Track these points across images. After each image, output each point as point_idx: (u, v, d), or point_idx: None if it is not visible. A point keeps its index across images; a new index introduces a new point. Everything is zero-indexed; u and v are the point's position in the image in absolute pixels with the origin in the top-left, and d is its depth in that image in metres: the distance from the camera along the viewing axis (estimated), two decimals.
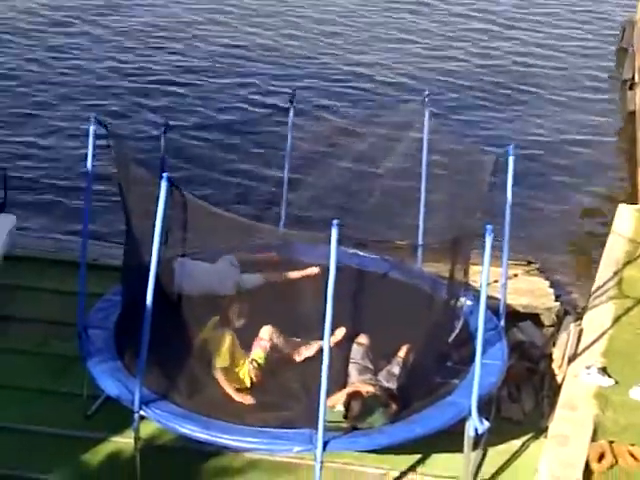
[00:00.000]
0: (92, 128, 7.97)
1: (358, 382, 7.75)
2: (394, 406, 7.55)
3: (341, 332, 8.04)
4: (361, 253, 8.96)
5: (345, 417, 7.42)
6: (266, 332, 8.07)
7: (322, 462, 7.10)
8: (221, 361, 7.86)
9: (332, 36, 17.95)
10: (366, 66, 16.68)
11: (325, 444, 7.09)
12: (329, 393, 7.16)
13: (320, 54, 17.19)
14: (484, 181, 8.32)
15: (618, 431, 7.88)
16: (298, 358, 8.11)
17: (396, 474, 7.87)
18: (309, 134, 9.90)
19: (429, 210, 9.46)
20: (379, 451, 7.66)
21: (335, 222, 6.89)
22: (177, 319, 8.10)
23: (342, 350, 7.92)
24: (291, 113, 9.57)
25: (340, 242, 6.93)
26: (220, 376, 7.85)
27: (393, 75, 16.34)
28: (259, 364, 7.97)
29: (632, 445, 7.68)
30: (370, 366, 7.93)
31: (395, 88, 15.74)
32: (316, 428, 7.04)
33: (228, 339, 7.95)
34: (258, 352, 8.03)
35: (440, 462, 7.93)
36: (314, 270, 8.67)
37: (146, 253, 7.64)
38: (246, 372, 7.95)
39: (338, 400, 7.50)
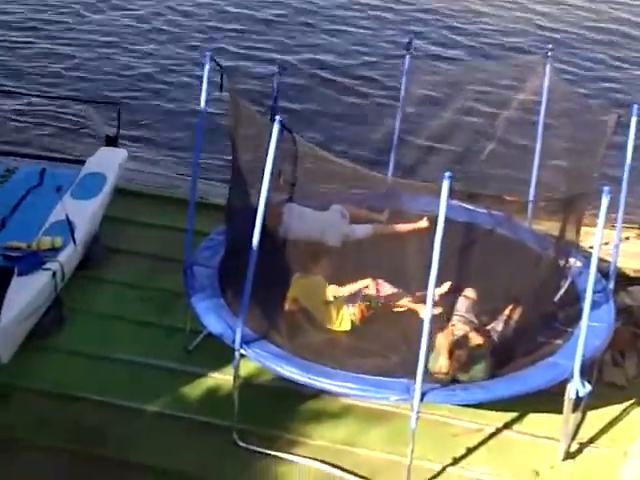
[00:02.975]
0: (207, 66, 7.99)
1: (464, 329, 7.69)
2: (496, 361, 7.46)
3: (447, 285, 7.96)
4: (470, 206, 8.80)
5: (446, 367, 7.37)
6: (379, 281, 8.06)
7: (418, 413, 7.08)
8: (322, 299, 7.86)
9: None
10: (488, 16, 16.31)
11: (423, 395, 7.06)
12: (431, 343, 7.12)
13: (434, 7, 16.89)
14: (604, 140, 8.07)
15: None
16: (401, 308, 8.06)
17: (492, 430, 7.81)
18: (424, 82, 9.71)
19: (543, 167, 9.24)
20: (475, 406, 7.61)
21: (447, 174, 6.78)
22: (281, 262, 8.13)
23: (447, 302, 7.84)
24: (407, 60, 9.41)
25: (450, 194, 6.82)
26: (321, 314, 7.85)
27: (515, 26, 15.95)
28: (368, 306, 7.96)
29: None
30: (475, 320, 7.84)
31: (517, 39, 15.35)
32: (414, 378, 7.02)
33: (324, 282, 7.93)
34: (369, 292, 8.02)
35: (538, 422, 7.84)
36: (423, 223, 8.58)
37: (253, 195, 7.67)
38: (347, 315, 7.94)
39: (442, 347, 7.45)
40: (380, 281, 8.11)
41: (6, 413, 7.71)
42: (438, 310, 7.47)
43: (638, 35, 16.13)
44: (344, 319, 7.99)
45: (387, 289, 8.10)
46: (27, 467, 7.24)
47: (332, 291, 8.03)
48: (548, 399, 7.57)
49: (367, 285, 8.08)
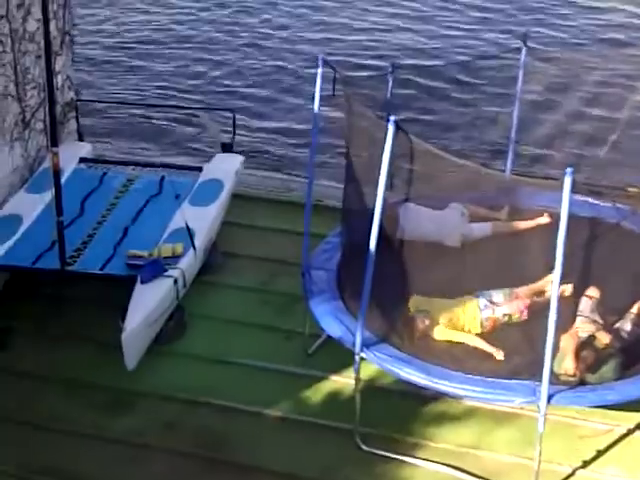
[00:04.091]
0: (320, 69, 7.97)
1: (589, 328, 7.46)
2: (625, 361, 7.22)
3: (569, 289, 7.73)
4: (592, 201, 8.54)
5: (572, 369, 7.15)
6: (527, 302, 7.91)
7: (546, 415, 6.89)
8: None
9: None
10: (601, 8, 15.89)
11: (549, 397, 6.87)
12: (556, 345, 6.92)
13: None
14: None
15: None
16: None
17: (622, 431, 7.55)
18: (540, 76, 9.47)
19: None
20: (604, 406, 7.36)
21: (569, 170, 6.57)
22: (399, 263, 8.04)
23: (571, 302, 7.62)
24: (523, 53, 9.19)
25: (572, 189, 6.61)
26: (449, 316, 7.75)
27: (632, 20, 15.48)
28: (510, 319, 7.83)
29: None
30: (599, 320, 7.60)
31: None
32: (540, 380, 6.83)
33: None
34: (514, 311, 7.87)
35: None
36: (544, 220, 8.36)
37: (369, 196, 7.60)
38: (478, 319, 7.81)
39: (567, 349, 7.23)
40: (527, 304, 7.92)
41: (134, 419, 7.85)
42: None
43: None
44: (477, 325, 7.83)
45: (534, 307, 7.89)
46: (159, 472, 7.34)
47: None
48: None
49: (517, 308, 7.91)
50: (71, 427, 7.75)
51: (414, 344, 7.58)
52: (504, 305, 7.90)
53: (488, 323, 7.85)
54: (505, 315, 7.88)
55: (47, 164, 9.10)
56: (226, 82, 14.47)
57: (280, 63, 14.93)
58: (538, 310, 7.68)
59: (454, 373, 7.24)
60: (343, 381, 8.04)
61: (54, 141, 8.24)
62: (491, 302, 7.89)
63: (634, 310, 7.65)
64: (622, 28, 15.15)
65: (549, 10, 16.09)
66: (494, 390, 7.12)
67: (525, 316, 7.89)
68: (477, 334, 7.80)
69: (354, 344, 7.43)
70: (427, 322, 7.75)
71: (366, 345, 7.43)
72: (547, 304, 6.84)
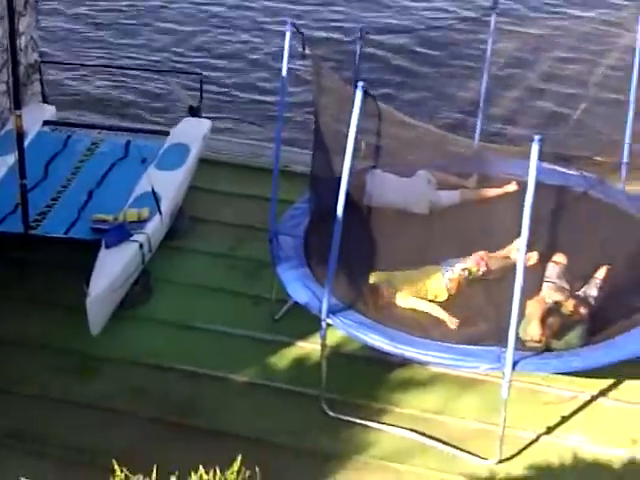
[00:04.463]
0: (288, 33, 7.90)
1: (555, 295, 7.50)
2: (591, 327, 7.27)
3: (534, 256, 7.76)
4: (560, 169, 8.56)
5: (538, 335, 7.20)
6: (481, 253, 7.93)
7: (510, 381, 6.94)
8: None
9: None
10: None
11: (515, 364, 6.91)
12: (522, 310, 6.95)
13: None
14: None
15: None
16: (492, 275, 7.90)
17: (586, 397, 7.61)
18: (510, 42, 9.45)
19: (637, 126, 8.93)
20: (570, 373, 7.41)
21: (537, 137, 6.57)
22: (366, 231, 8.04)
23: (537, 269, 7.65)
24: (493, 19, 9.17)
25: (540, 157, 6.62)
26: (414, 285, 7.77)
27: None
28: (470, 274, 7.84)
29: None
30: (566, 286, 7.64)
31: None
32: (505, 346, 6.86)
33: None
34: (472, 264, 7.89)
35: (634, 388, 7.61)
36: (512, 187, 8.37)
37: (337, 163, 7.56)
38: (443, 284, 7.82)
39: (533, 315, 7.27)
40: (485, 256, 7.94)
41: (102, 384, 7.81)
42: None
43: None
44: (442, 292, 7.84)
45: (493, 263, 7.91)
46: (127, 437, 7.30)
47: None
48: None
49: (479, 255, 7.93)
50: (39, 391, 7.70)
51: (380, 311, 7.59)
52: (461, 263, 7.92)
53: (452, 285, 7.85)
54: (464, 270, 7.87)
55: (10, 126, 8.96)
56: (195, 54, 14.31)
57: (249, 30, 14.80)
58: (503, 275, 7.72)
59: (419, 339, 7.26)
60: (310, 347, 8.04)
61: (17, 103, 8.11)
62: (451, 266, 7.92)
63: (599, 275, 7.70)
64: None
65: None
66: (459, 356, 7.14)
67: (484, 267, 7.88)
68: (445, 300, 7.80)
69: (320, 310, 7.42)
70: (392, 290, 7.75)
71: (332, 311, 7.42)
72: (512, 269, 6.87)
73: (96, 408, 7.56)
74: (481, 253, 7.96)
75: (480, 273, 7.92)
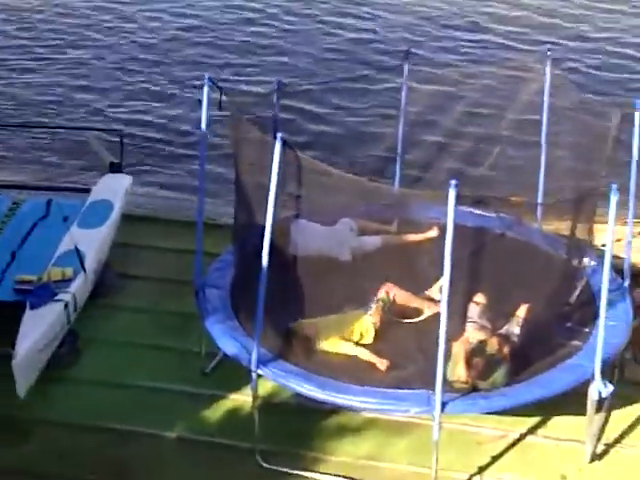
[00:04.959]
0: (206, 88, 7.99)
1: (479, 335, 7.64)
2: (516, 366, 7.40)
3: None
4: (478, 211, 8.76)
5: (465, 376, 7.31)
6: (388, 284, 8.08)
7: (440, 423, 7.02)
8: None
9: None
10: (483, 19, 16.29)
11: (443, 405, 7.00)
12: (447, 352, 7.07)
13: (436, 8, 16.86)
14: (609, 136, 8.02)
15: None
16: (415, 318, 8.02)
17: (516, 436, 7.74)
18: (424, 90, 9.68)
19: (550, 167, 9.19)
20: (498, 412, 7.52)
21: (453, 182, 6.74)
22: (292, 279, 8.10)
23: (459, 310, 7.79)
24: (405, 69, 9.39)
25: (457, 201, 6.78)
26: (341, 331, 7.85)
27: (513, 29, 15.92)
28: (384, 303, 7.94)
29: None
30: (488, 325, 7.78)
31: (514, 41, 15.31)
32: (434, 389, 6.96)
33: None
34: (381, 294, 8.01)
35: (561, 424, 7.77)
36: (433, 233, 8.52)
37: (259, 213, 7.63)
38: (367, 323, 7.90)
39: (459, 355, 7.39)
40: (390, 285, 8.08)
41: (29, 447, 7.69)
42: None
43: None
44: (368, 331, 7.92)
45: (401, 294, 8.07)
46: None
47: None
48: (571, 401, 7.51)
49: (385, 285, 8.07)
50: None
51: (309, 359, 7.63)
52: (374, 298, 8.05)
53: (375, 320, 7.94)
54: (378, 301, 8.00)
55: None
56: (113, 106, 14.31)
57: (167, 85, 14.86)
58: (427, 314, 7.91)
59: (349, 385, 7.31)
60: (241, 399, 8.03)
61: None
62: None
63: (520, 313, 7.86)
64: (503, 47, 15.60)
65: (431, 22, 16.44)
66: (389, 401, 7.22)
67: (393, 292, 8.02)
68: (372, 343, 7.87)
69: (250, 361, 7.44)
70: (320, 337, 7.81)
71: (262, 362, 7.45)
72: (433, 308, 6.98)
73: (24, 473, 7.43)
74: (386, 284, 8.09)
75: (392, 299, 8.03)
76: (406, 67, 9.39)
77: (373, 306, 8.01)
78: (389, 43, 15.35)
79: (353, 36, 15.88)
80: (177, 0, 17.66)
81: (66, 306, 8.29)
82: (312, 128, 12.88)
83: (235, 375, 7.90)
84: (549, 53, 8.92)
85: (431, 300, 8.05)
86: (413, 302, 8.15)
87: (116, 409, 8.05)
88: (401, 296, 8.12)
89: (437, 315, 7.07)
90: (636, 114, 8.00)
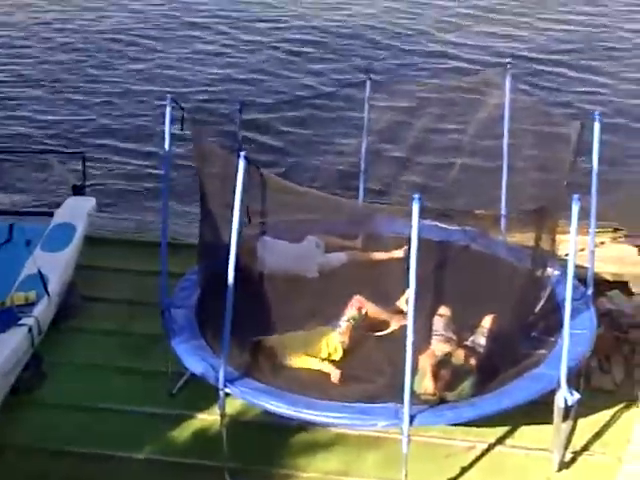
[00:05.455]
0: (168, 108, 7.99)
1: (445, 347, 7.67)
2: (482, 377, 7.44)
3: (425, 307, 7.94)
4: (442, 225, 8.82)
5: (432, 388, 7.33)
6: (358, 297, 8.10)
7: (409, 436, 7.03)
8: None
9: (405, 11, 17.77)
10: (443, 34, 16.45)
11: (412, 418, 7.01)
12: (414, 365, 7.09)
13: (394, 25, 17.00)
14: (569, 148, 8.10)
15: None
16: (383, 331, 8.04)
17: (484, 446, 7.75)
18: (385, 107, 9.76)
19: (512, 179, 9.28)
20: (466, 423, 7.54)
21: (416, 196, 6.78)
22: (259, 297, 8.09)
23: (425, 323, 7.82)
24: (367, 85, 9.46)
25: (421, 215, 6.82)
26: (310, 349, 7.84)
27: (472, 43, 16.09)
28: (355, 321, 7.95)
29: None
30: (454, 337, 7.81)
31: (474, 56, 15.47)
32: (402, 402, 6.97)
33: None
34: (352, 310, 8.01)
35: (529, 434, 7.79)
36: (399, 253, 8.54)
37: (224, 232, 7.63)
38: (336, 342, 7.90)
39: (426, 368, 7.41)
40: (360, 299, 8.09)
41: None
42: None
43: (596, 42, 16.29)
44: (336, 349, 7.92)
45: (369, 306, 8.08)
46: None
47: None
48: (538, 410, 7.54)
49: (355, 300, 8.08)
50: None
51: (277, 376, 7.62)
52: (344, 314, 8.05)
53: (345, 339, 7.94)
54: (349, 320, 8.00)
55: None
56: (75, 125, 14.27)
57: (130, 104, 14.85)
58: (394, 327, 7.94)
59: (318, 401, 7.30)
60: (209, 418, 7.99)
61: None
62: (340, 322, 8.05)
63: (485, 325, 7.90)
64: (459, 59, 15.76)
65: (392, 38, 16.58)
66: (357, 415, 7.21)
67: (364, 308, 8.03)
68: (340, 358, 7.88)
69: (217, 380, 7.41)
70: (287, 354, 7.80)
71: (229, 380, 7.42)
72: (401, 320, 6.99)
73: None
74: (356, 297, 8.11)
75: (364, 314, 8.04)
76: (368, 83, 9.46)
77: (343, 324, 8.00)
78: (350, 60, 15.45)
79: (314, 54, 15.97)
80: (139, 20, 17.69)
81: (30, 330, 8.22)
82: (275, 145, 12.94)
83: (203, 394, 7.86)
84: (509, 67, 9.02)
85: (400, 312, 8.07)
86: (383, 315, 8.16)
87: (82, 432, 7.97)
88: (372, 309, 8.13)
89: (404, 328, 7.08)
90: (595, 125, 8.09)
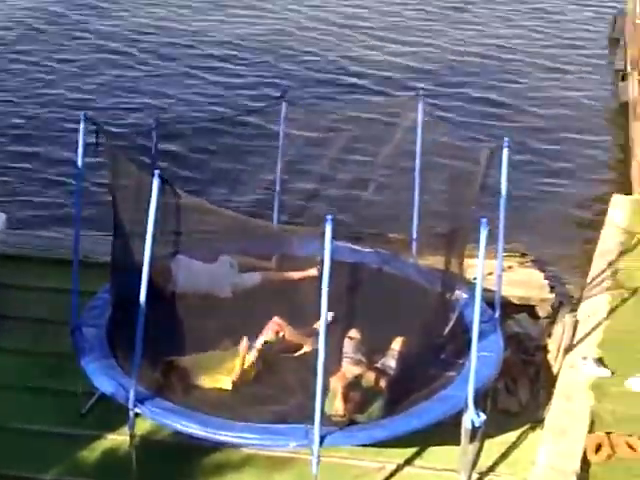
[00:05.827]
0: (82, 125, 7.95)
1: (355, 369, 7.74)
2: (392, 398, 7.53)
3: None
4: (355, 247, 8.94)
5: (342, 409, 7.40)
6: (276, 320, 8.13)
7: (319, 457, 7.08)
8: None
9: (321, 31, 17.91)
10: (357, 62, 16.65)
11: (322, 439, 7.07)
12: (325, 386, 7.15)
13: (309, 50, 17.13)
14: (479, 174, 8.29)
15: (615, 422, 7.86)
16: (297, 353, 8.09)
17: (393, 467, 7.83)
18: (301, 129, 9.85)
19: (424, 203, 9.44)
20: (376, 444, 7.62)
21: (329, 217, 6.87)
22: (171, 317, 8.08)
23: (336, 346, 7.89)
24: (283, 107, 9.55)
25: (334, 236, 6.91)
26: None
27: (385, 71, 16.32)
28: (271, 344, 8.00)
29: (629, 436, 7.66)
30: (363, 359, 7.90)
31: (387, 84, 15.68)
32: (312, 423, 7.02)
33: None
34: (270, 332, 8.04)
35: (437, 455, 7.91)
36: (313, 272, 8.62)
37: (137, 251, 7.61)
38: (249, 362, 7.92)
39: (336, 390, 7.47)
40: (279, 321, 8.13)
41: None
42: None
43: (506, 68, 16.67)
44: (249, 370, 7.94)
45: (287, 330, 8.13)
46: None
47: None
48: (446, 431, 7.65)
49: (273, 322, 8.12)
50: None
51: (188, 396, 7.60)
52: (261, 337, 8.09)
53: (257, 360, 7.97)
54: (265, 343, 8.04)
55: None
56: None
57: (44, 122, 14.68)
58: (307, 348, 7.98)
59: (229, 422, 7.32)
60: (119, 438, 7.92)
61: None
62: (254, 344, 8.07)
63: (395, 347, 8.01)
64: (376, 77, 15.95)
65: (307, 61, 16.70)
66: (268, 435, 7.26)
67: (282, 332, 8.08)
68: (252, 379, 7.90)
69: (128, 400, 7.36)
70: (200, 374, 7.80)
71: (140, 400, 7.39)
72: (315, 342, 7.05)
73: None
74: (275, 319, 8.16)
75: (281, 337, 8.10)
76: (283, 105, 9.55)
77: (258, 346, 8.02)
78: (265, 86, 15.49)
79: (228, 78, 16.01)
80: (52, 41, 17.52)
81: None
82: (190, 165, 12.89)
83: (113, 414, 7.81)
84: (420, 96, 9.18)
85: (315, 334, 8.12)
86: (299, 338, 8.20)
87: None
88: (289, 332, 8.16)
89: (317, 350, 7.15)
90: (504, 152, 8.28)
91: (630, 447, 7.58)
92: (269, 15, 18.71)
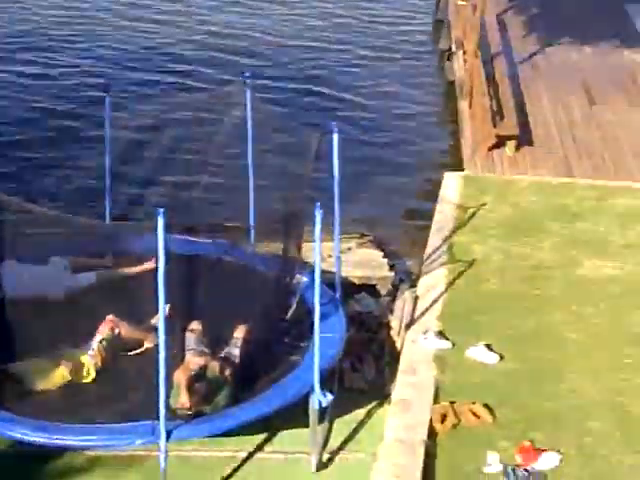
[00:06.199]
0: None
1: (199, 361, 7.67)
2: (238, 386, 7.49)
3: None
4: (192, 238, 8.84)
5: (187, 402, 7.31)
6: (110, 317, 7.99)
7: (167, 452, 6.98)
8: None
9: (141, 22, 17.64)
10: (182, 49, 16.48)
11: (169, 434, 6.97)
12: (170, 381, 7.06)
13: (130, 41, 16.81)
14: (310, 159, 8.33)
15: (458, 391, 8.07)
16: (137, 350, 7.95)
17: (244, 455, 7.80)
18: (128, 123, 9.67)
19: (258, 190, 9.42)
20: (225, 434, 7.56)
21: (160, 210, 6.75)
22: (2, 323, 7.79)
23: (178, 339, 7.79)
24: (107, 103, 9.35)
25: (168, 229, 6.79)
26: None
27: (215, 54, 16.18)
28: (107, 342, 7.83)
29: (473, 403, 7.87)
30: (206, 350, 7.83)
31: (213, 72, 15.53)
32: (158, 418, 6.91)
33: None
34: (105, 330, 7.88)
35: (288, 438, 7.92)
36: (150, 265, 8.49)
37: None
38: (88, 364, 7.75)
39: (181, 383, 7.37)
40: (113, 318, 7.96)
41: None
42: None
43: (333, 53, 16.80)
44: (89, 371, 7.76)
45: (122, 326, 7.97)
46: None
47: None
48: (296, 414, 7.66)
49: (106, 320, 7.95)
50: None
51: (24, 403, 7.34)
52: (96, 336, 7.94)
53: (97, 360, 7.82)
54: (101, 341, 7.89)
55: None
56: None
57: None
58: (147, 345, 7.84)
59: (68, 425, 7.11)
60: None
61: None
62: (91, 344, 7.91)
63: (238, 335, 7.97)
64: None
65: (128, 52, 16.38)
66: (113, 435, 7.09)
67: (117, 328, 7.96)
68: (94, 379, 7.74)
69: None
70: (34, 380, 7.56)
71: None
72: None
73: None
74: (108, 317, 8.01)
75: (117, 334, 7.95)
76: (107, 100, 9.35)
77: (95, 346, 7.85)
78: (91, 77, 15.07)
79: (58, 70, 15.52)
80: None
81: None
82: (14, 165, 12.41)
83: None
84: (248, 81, 9.14)
85: (154, 330, 8.00)
86: (137, 334, 8.08)
87: None
88: (125, 329, 8.02)
89: (157, 345, 7.03)
90: (334, 136, 8.35)
91: (474, 414, 7.78)
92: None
